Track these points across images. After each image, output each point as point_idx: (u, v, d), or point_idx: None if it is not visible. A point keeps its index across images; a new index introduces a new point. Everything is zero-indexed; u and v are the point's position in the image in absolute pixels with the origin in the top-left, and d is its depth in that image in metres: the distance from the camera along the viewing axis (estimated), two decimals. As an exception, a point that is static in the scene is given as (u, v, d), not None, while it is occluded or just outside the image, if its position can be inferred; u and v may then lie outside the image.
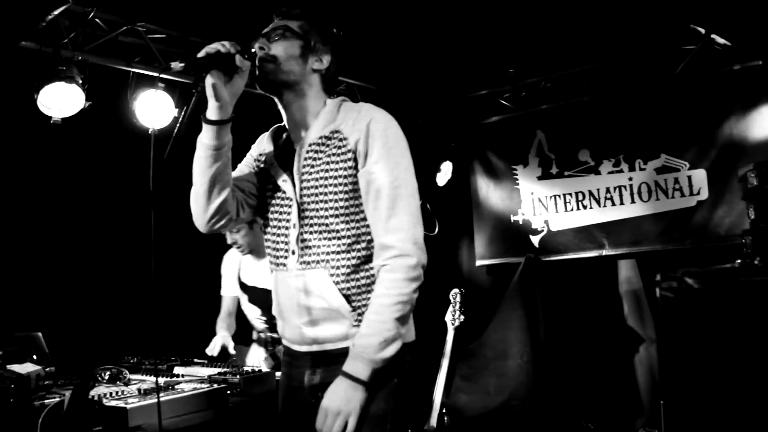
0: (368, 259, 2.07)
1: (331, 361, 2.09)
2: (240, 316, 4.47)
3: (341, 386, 1.97)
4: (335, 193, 2.05)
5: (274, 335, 4.10)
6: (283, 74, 2.11)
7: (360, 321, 2.04)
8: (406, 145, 2.07)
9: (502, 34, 5.33)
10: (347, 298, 2.06)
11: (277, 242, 2.18)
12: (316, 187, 2.07)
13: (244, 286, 4.29)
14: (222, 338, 4.21)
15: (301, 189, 2.10)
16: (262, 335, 4.26)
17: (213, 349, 4.17)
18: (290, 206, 2.13)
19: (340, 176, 2.05)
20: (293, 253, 2.13)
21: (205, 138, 2.04)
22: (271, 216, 2.21)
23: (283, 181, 2.16)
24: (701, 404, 4.22)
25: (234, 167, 2.22)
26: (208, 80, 1.98)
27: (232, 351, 4.17)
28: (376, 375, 1.97)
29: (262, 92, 2.18)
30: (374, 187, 2.02)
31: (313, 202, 2.07)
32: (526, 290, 6.30)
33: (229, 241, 4.13)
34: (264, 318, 4.23)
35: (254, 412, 2.91)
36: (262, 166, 2.26)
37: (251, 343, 4.42)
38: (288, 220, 2.14)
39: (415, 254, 1.99)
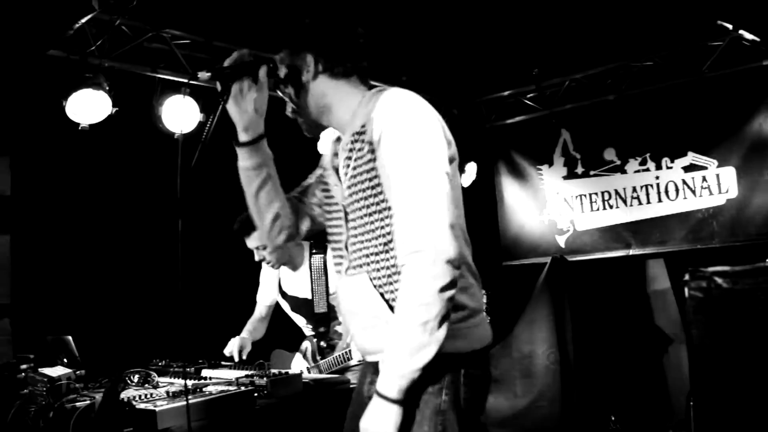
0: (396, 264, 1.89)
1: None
2: (287, 322, 4.48)
3: (374, 405, 1.76)
4: (363, 190, 1.93)
5: (322, 344, 4.13)
6: (313, 116, 2.10)
7: None
8: (422, 125, 1.87)
9: (527, 33, 5.31)
10: (389, 303, 1.91)
11: (335, 248, 2.13)
12: (350, 186, 1.96)
13: (284, 295, 4.31)
14: (239, 339, 4.21)
15: (344, 191, 2.01)
16: (310, 346, 4.27)
17: (228, 350, 4.19)
18: (339, 210, 2.07)
19: (364, 171, 1.92)
20: (345, 258, 2.05)
21: (241, 161, 2.03)
22: (328, 223, 2.17)
23: (335, 186, 2.12)
24: (731, 405, 4.16)
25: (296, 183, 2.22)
26: (233, 89, 1.96)
27: (239, 356, 4.19)
28: (411, 390, 1.75)
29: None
30: (390, 175, 1.84)
31: (351, 202, 1.97)
32: (552, 291, 6.26)
33: (257, 258, 4.11)
34: (310, 326, 4.24)
35: (281, 415, 2.92)
36: (322, 174, 2.24)
37: (296, 351, 4.43)
38: (339, 225, 2.08)
39: (433, 248, 1.74)
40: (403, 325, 1.74)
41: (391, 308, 1.88)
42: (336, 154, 2.14)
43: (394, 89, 1.97)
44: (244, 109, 1.98)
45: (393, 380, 1.73)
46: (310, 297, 4.14)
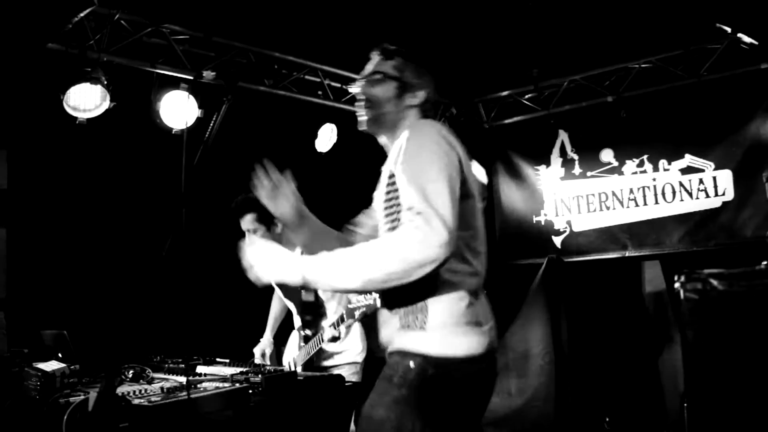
0: None
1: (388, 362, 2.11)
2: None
3: (286, 258, 1.99)
4: (384, 209, 2.09)
5: (307, 332, 4.14)
6: (381, 116, 2.21)
7: (405, 325, 2.05)
8: (433, 148, 1.99)
9: (526, 34, 5.30)
10: (386, 300, 2.12)
11: None
12: (381, 204, 2.12)
13: (277, 283, 4.34)
14: (261, 345, 4.36)
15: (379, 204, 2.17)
16: (297, 337, 4.29)
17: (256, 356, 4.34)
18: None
19: (384, 191, 2.09)
20: None
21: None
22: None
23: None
24: (726, 407, 4.17)
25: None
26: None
27: (264, 360, 4.27)
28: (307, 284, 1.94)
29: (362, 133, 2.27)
30: (399, 186, 1.98)
31: (382, 216, 2.13)
32: (548, 291, 6.26)
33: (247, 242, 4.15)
34: (298, 311, 4.26)
35: (276, 412, 2.92)
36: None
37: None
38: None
39: (437, 231, 1.82)
40: (357, 257, 1.89)
41: (392, 307, 2.09)
42: None
43: (417, 122, 2.18)
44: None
45: (305, 269, 1.92)
46: None
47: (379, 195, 2.13)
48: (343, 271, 1.88)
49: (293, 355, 4.22)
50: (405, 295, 2.03)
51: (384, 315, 2.16)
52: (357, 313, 3.62)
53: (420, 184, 1.89)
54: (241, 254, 2.13)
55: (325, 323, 3.90)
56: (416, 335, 2.02)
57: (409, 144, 2.00)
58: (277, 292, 4.44)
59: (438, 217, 1.83)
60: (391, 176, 2.03)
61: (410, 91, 2.23)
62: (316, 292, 4.12)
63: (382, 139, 2.26)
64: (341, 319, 3.70)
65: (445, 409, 1.99)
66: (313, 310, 4.16)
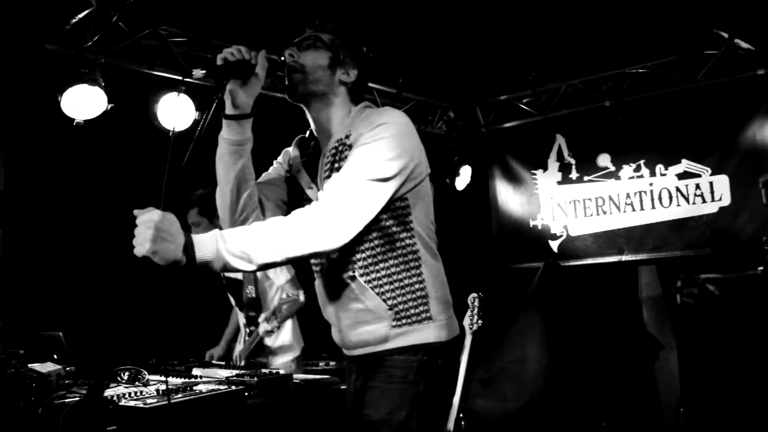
0: (399, 256, 2.07)
1: (372, 365, 2.12)
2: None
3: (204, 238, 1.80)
4: (326, 178, 2.07)
5: (251, 328, 4.18)
6: (311, 84, 2.14)
7: (399, 321, 2.06)
8: (398, 140, 1.99)
9: (524, 38, 5.32)
10: (381, 296, 2.06)
11: None
12: None
13: (222, 276, 4.39)
14: (211, 350, 4.48)
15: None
16: (244, 333, 4.32)
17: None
18: None
19: (332, 160, 2.09)
20: (326, 259, 2.17)
21: (227, 134, 2.07)
22: None
23: (309, 188, 2.20)
24: (721, 412, 4.18)
25: (258, 176, 2.24)
26: (227, 87, 2.01)
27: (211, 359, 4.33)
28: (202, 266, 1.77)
29: (290, 101, 2.21)
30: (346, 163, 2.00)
31: None
32: (544, 295, 6.26)
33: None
34: (241, 310, 4.31)
35: (271, 414, 2.92)
36: (290, 174, 2.30)
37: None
38: None
39: (336, 216, 1.87)
40: (263, 235, 1.81)
41: (385, 302, 2.05)
42: (305, 158, 2.26)
43: (387, 110, 2.11)
44: (238, 98, 2.04)
45: (222, 254, 1.76)
46: (241, 278, 4.21)
47: (330, 169, 2.10)
48: (238, 253, 1.78)
49: (239, 350, 4.26)
50: (404, 288, 2.06)
51: (353, 315, 2.12)
52: (284, 308, 3.75)
53: (344, 194, 1.91)
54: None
55: (261, 317, 3.96)
56: (423, 327, 2.07)
57: (366, 135, 1.99)
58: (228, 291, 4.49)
59: (333, 210, 1.89)
60: (346, 147, 2.05)
61: (342, 67, 2.18)
62: (257, 288, 4.18)
63: (312, 113, 2.22)
64: (272, 314, 3.84)
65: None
66: (255, 306, 4.21)
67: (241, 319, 4.36)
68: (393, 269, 2.06)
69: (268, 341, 4.05)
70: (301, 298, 3.79)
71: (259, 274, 4.16)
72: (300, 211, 1.89)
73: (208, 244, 1.75)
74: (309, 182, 2.20)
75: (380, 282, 2.06)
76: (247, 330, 4.22)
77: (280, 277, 4.18)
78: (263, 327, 3.90)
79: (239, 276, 4.24)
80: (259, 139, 2.16)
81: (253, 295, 4.17)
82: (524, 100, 6.66)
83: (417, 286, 2.07)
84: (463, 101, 6.86)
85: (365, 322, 2.10)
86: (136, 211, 1.73)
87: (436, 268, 2.15)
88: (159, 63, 4.84)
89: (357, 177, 1.93)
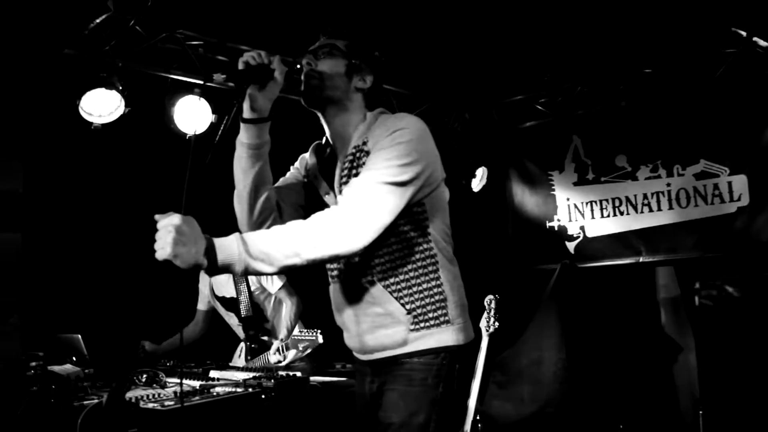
0: (417, 261, 2.09)
1: (390, 368, 2.13)
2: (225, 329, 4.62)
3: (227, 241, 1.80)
4: (341, 184, 2.10)
5: (253, 346, 4.24)
6: (328, 90, 2.16)
7: (417, 324, 2.07)
8: (415, 146, 2.01)
9: (538, 38, 5.30)
10: (400, 300, 2.08)
11: None
12: None
13: (216, 297, 4.45)
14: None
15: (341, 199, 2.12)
16: (244, 348, 4.36)
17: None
18: None
19: (350, 166, 2.11)
20: (344, 264, 2.18)
21: (245, 138, 2.09)
22: None
23: (326, 194, 2.22)
24: (741, 415, 4.14)
25: (276, 180, 2.26)
26: (247, 91, 2.03)
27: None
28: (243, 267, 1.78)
29: (306, 107, 2.23)
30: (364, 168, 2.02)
31: None
32: (561, 297, 6.23)
33: None
34: (240, 326, 4.35)
35: (287, 417, 2.93)
36: (307, 180, 2.32)
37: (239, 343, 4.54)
38: None
39: (355, 219, 1.89)
40: (283, 237, 1.82)
41: (403, 306, 2.07)
42: (321, 164, 2.28)
43: (403, 115, 2.13)
44: (257, 101, 2.06)
45: (244, 256, 1.76)
46: (236, 296, 4.26)
47: (347, 175, 2.12)
48: (252, 254, 1.79)
49: (241, 366, 4.30)
50: (422, 292, 2.08)
51: (371, 320, 2.13)
52: (301, 347, 3.78)
53: (360, 202, 1.93)
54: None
55: (273, 347, 4.03)
56: (442, 330, 2.10)
57: (384, 141, 2.01)
58: (220, 311, 4.52)
59: (351, 213, 1.91)
60: (364, 153, 2.06)
61: (359, 73, 2.21)
62: (253, 304, 4.22)
63: (328, 118, 2.23)
64: (286, 347, 3.92)
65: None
66: (255, 325, 4.26)
67: (240, 333, 4.40)
68: (411, 273, 2.08)
69: (272, 360, 4.07)
70: (320, 339, 3.83)
71: (253, 287, 4.22)
72: (320, 213, 1.91)
73: (229, 247, 1.77)
74: (326, 188, 2.22)
75: (399, 286, 2.08)
76: (247, 345, 4.27)
77: (275, 284, 4.22)
78: (274, 358, 3.95)
79: (233, 293, 4.30)
80: (276, 143, 2.17)
81: (250, 313, 4.22)
82: (540, 101, 6.63)
83: (435, 290, 2.09)
84: (479, 102, 6.84)
85: (384, 326, 2.11)
86: (157, 216, 1.74)
87: (453, 272, 2.17)
88: (176, 66, 4.87)
89: (375, 181, 1.94)
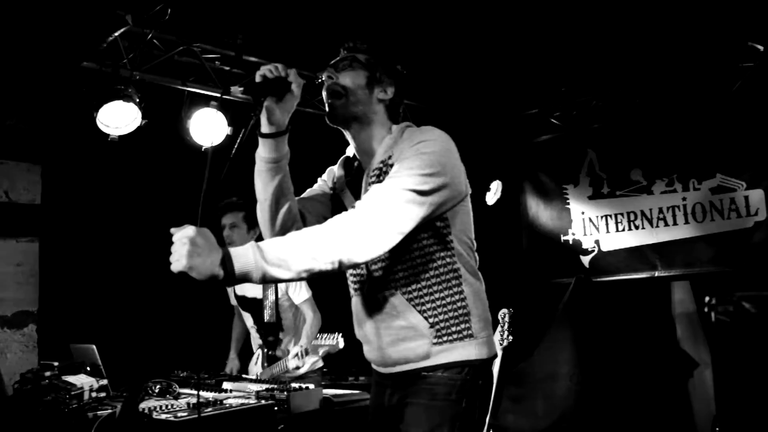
0: (440, 274, 2.08)
1: (413, 382, 2.12)
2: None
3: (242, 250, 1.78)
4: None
5: (270, 353, 4.23)
6: (351, 106, 2.17)
7: (440, 338, 2.06)
8: (438, 158, 2.01)
9: (554, 53, 5.30)
10: (423, 314, 2.07)
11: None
12: None
13: (236, 296, 4.43)
14: (230, 366, 4.55)
15: None
16: (261, 355, 4.35)
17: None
18: None
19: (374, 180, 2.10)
20: (367, 277, 2.18)
21: (264, 152, 2.10)
22: None
23: (353, 207, 2.18)
24: (758, 430, 4.09)
25: (302, 191, 2.28)
26: (264, 104, 2.04)
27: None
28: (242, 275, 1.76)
29: (330, 125, 2.24)
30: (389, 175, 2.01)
31: None
32: (576, 311, 6.20)
33: (225, 238, 4.24)
34: (258, 330, 4.33)
35: (300, 429, 2.92)
36: (334, 192, 2.33)
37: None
38: None
39: (372, 222, 1.88)
40: (300, 242, 1.81)
41: (426, 320, 2.06)
42: (349, 177, 2.28)
43: (428, 129, 2.13)
44: (274, 114, 2.06)
45: (261, 263, 1.75)
46: (260, 297, 4.22)
47: (367, 184, 2.14)
48: (271, 262, 1.77)
49: (258, 373, 4.27)
50: (445, 306, 2.07)
51: (394, 333, 2.12)
52: (321, 351, 3.77)
53: (384, 198, 1.93)
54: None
55: (291, 351, 4.01)
56: (465, 344, 2.08)
57: (412, 152, 2.01)
58: (239, 310, 4.51)
59: (372, 213, 1.90)
60: (390, 167, 2.05)
61: (380, 85, 2.21)
62: (278, 313, 4.20)
63: (353, 133, 2.24)
64: (306, 352, 3.90)
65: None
66: (274, 331, 4.24)
67: (257, 339, 4.38)
68: (435, 287, 2.07)
69: (291, 365, 4.06)
70: (341, 344, 3.81)
71: (280, 292, 4.20)
72: (337, 216, 1.91)
73: (245, 256, 1.76)
74: (353, 201, 2.22)
75: (422, 300, 2.08)
76: (265, 352, 4.26)
77: (301, 295, 4.20)
78: (293, 363, 3.93)
79: (258, 294, 4.26)
80: (302, 155, 2.18)
81: (273, 320, 4.20)
82: (555, 115, 6.62)
83: (459, 303, 2.08)
84: (494, 116, 6.84)
85: (407, 339, 2.10)
86: (173, 230, 1.75)
87: (477, 285, 2.16)
88: (193, 79, 4.91)
89: (395, 188, 1.94)
